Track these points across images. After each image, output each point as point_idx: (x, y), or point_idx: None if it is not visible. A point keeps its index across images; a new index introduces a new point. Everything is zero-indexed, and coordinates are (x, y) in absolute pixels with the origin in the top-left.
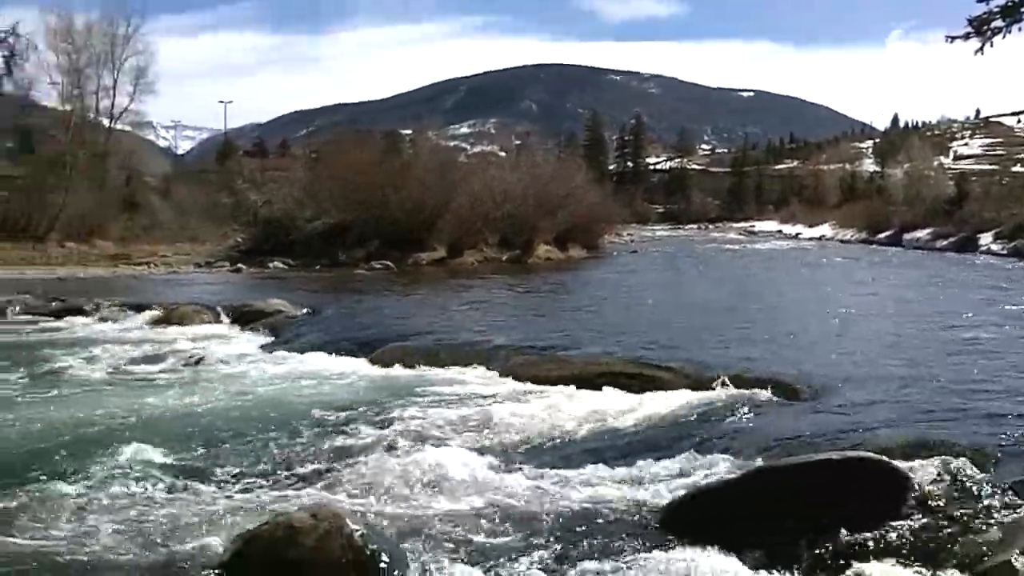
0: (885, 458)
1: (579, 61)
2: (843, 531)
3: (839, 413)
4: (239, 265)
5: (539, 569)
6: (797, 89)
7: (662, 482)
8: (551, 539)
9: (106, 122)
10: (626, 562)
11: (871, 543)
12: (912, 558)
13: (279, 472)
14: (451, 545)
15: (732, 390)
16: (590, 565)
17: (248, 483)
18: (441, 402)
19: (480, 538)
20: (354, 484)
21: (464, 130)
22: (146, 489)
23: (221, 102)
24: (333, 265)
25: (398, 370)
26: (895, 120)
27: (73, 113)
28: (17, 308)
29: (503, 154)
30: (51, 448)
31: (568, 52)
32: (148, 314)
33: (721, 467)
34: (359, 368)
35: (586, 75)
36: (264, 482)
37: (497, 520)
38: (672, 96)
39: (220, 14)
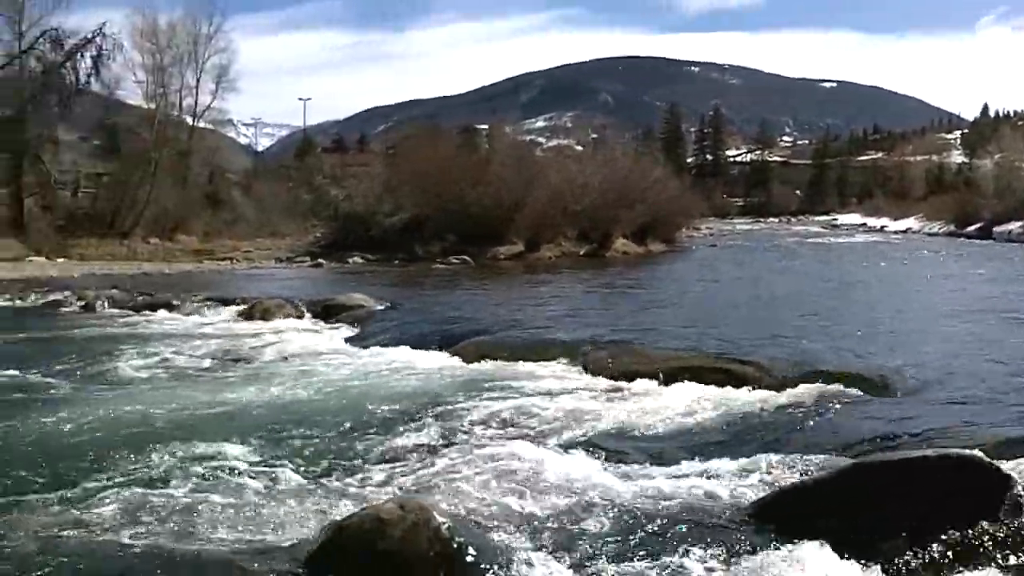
0: (985, 457)
1: (657, 53)
2: (940, 532)
3: (930, 410)
4: (319, 260)
5: (627, 563)
6: (881, 79)
7: (749, 478)
8: (638, 534)
9: (189, 120)
10: (717, 557)
11: (969, 545)
12: (1012, 562)
13: (366, 465)
14: (537, 539)
15: (819, 385)
16: (680, 560)
17: (335, 476)
18: (524, 396)
19: (566, 533)
20: (440, 477)
21: (540, 124)
22: (235, 482)
23: (300, 99)
24: (411, 260)
25: (480, 364)
26: (984, 110)
27: (157, 111)
28: (106, 302)
29: (579, 148)
30: (142, 441)
31: (645, 44)
32: (233, 308)
33: (809, 464)
34: (442, 362)
35: (664, 67)
36: (351, 475)
37: (583, 514)
38: (752, 88)
39: (300, 12)
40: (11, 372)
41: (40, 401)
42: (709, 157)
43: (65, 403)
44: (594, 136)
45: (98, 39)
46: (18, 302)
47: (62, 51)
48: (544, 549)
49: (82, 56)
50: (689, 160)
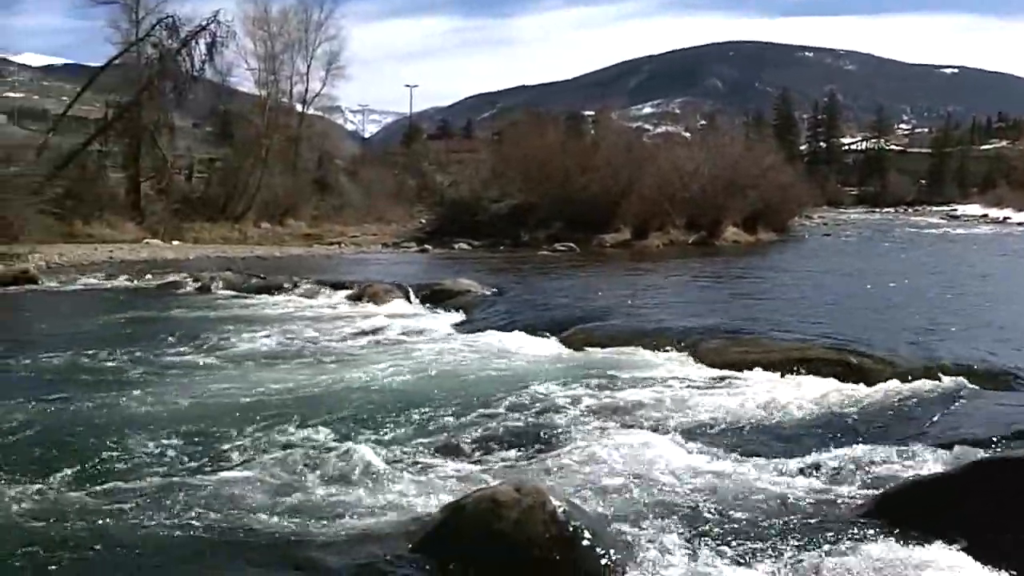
0: None
1: (769, 38)
2: None
3: None
4: (425, 246)
5: (741, 555)
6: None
7: (867, 472)
8: (752, 525)
9: (299, 107)
10: (835, 552)
11: None
12: None
13: (477, 448)
14: (651, 527)
15: (939, 380)
16: (797, 555)
17: (446, 458)
18: (635, 384)
19: (680, 521)
20: (553, 462)
21: (647, 110)
22: (349, 462)
23: (407, 86)
24: (516, 246)
25: (589, 351)
26: None
27: (268, 98)
28: (220, 284)
29: (687, 135)
30: (258, 420)
31: (757, 28)
32: (342, 292)
33: (930, 459)
34: (550, 348)
35: (777, 52)
36: (462, 457)
37: (697, 504)
38: (868, 73)
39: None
40: (130, 350)
41: (155, 379)
42: (822, 144)
43: (179, 381)
44: (703, 123)
45: (212, 26)
46: (136, 283)
47: (178, 38)
48: (658, 537)
49: (197, 43)
50: (802, 147)
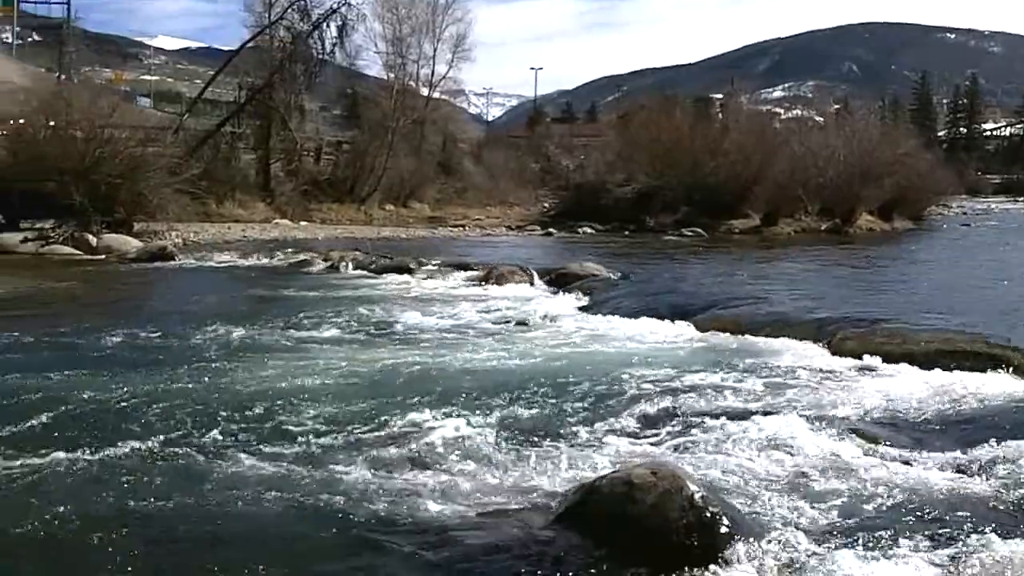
0: None
1: (906, 18)
2: None
3: None
4: (549, 229)
5: (886, 547)
6: None
7: (1015, 469)
8: (892, 518)
9: (424, 90)
10: (976, 549)
11: None
12: None
13: (609, 430)
14: (788, 515)
15: None
16: (935, 549)
17: (578, 440)
18: (769, 372)
19: (821, 510)
20: (686, 446)
21: (777, 94)
22: (479, 442)
23: (532, 69)
24: (642, 231)
25: (721, 337)
26: None
27: (396, 81)
28: (349, 264)
29: (820, 119)
30: (388, 398)
31: (894, 8)
32: (468, 273)
33: None
34: (680, 333)
35: (915, 33)
36: (593, 439)
37: (838, 493)
38: (1015, 55)
39: None
40: (264, 325)
41: (287, 355)
42: (962, 130)
43: (309, 358)
44: (836, 107)
45: (343, 9)
46: (269, 261)
47: (309, 21)
48: (794, 525)
49: (328, 26)
50: (940, 133)
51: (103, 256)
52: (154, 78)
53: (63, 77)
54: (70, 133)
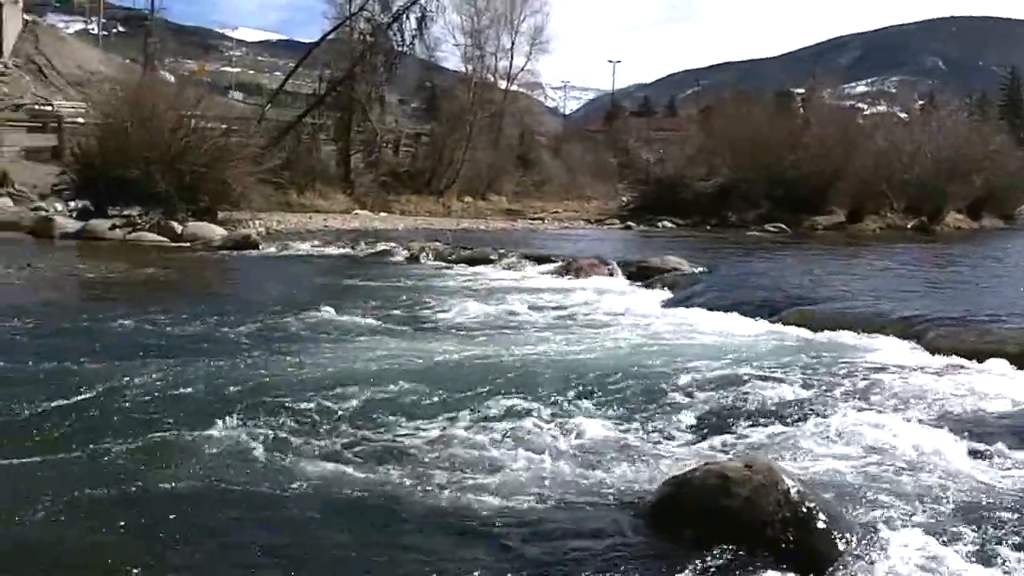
0: None
1: (995, 12)
2: None
3: None
4: (628, 223)
5: (979, 549)
6: None
7: None
8: (993, 520)
9: (502, 83)
10: None
11: None
12: None
13: (696, 425)
14: (885, 513)
15: None
16: None
17: (665, 435)
18: (859, 368)
19: (915, 509)
20: (778, 441)
21: (860, 89)
22: (563, 435)
23: (610, 62)
24: (723, 226)
25: (807, 333)
26: None
27: (474, 73)
28: (429, 255)
29: (904, 115)
30: (468, 389)
31: (983, 1)
32: (548, 265)
33: None
34: (763, 329)
35: (1003, 27)
36: (681, 433)
37: (933, 492)
38: None
39: None
40: (344, 312)
41: (366, 342)
42: None
43: (389, 346)
44: (921, 103)
45: (422, 1)
46: (350, 250)
47: (389, 13)
48: (892, 523)
49: (408, 18)
50: None
51: (188, 244)
52: (235, 70)
53: (148, 68)
54: (156, 123)
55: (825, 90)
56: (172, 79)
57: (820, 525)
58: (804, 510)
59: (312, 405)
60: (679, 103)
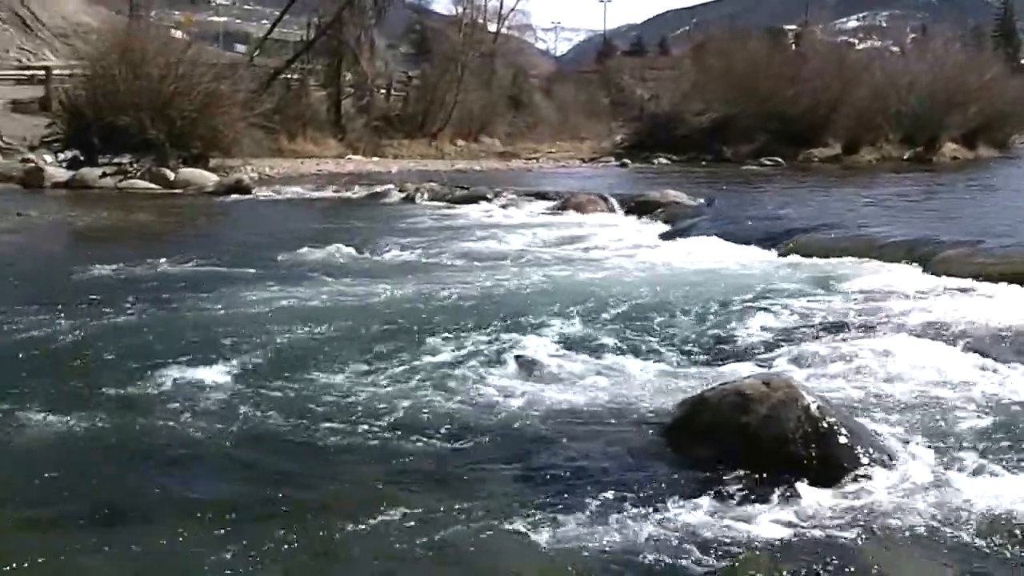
0: None
1: None
2: None
3: None
4: (624, 160)
5: (997, 464)
6: None
7: None
8: (1008, 435)
9: (492, 25)
10: None
11: None
12: None
13: (708, 348)
14: (908, 430)
15: None
16: None
17: (678, 359)
18: (865, 292)
19: (931, 425)
20: (790, 363)
21: (852, 24)
22: (573, 359)
23: (600, 1)
24: (719, 161)
25: (809, 261)
26: None
27: (464, 14)
28: (425, 195)
29: (896, 50)
30: (479, 319)
31: None
32: (545, 203)
33: None
34: (766, 257)
35: None
36: (693, 356)
37: (948, 408)
38: None
39: None
40: (341, 250)
41: (367, 278)
42: None
43: (389, 280)
44: (913, 36)
45: None
46: (344, 193)
47: None
48: (917, 440)
49: None
50: None
51: (180, 190)
52: (222, 19)
53: (134, 18)
54: (145, 70)
55: (817, 26)
56: (175, 33)
57: (842, 440)
58: (825, 425)
59: (321, 334)
60: (671, 42)
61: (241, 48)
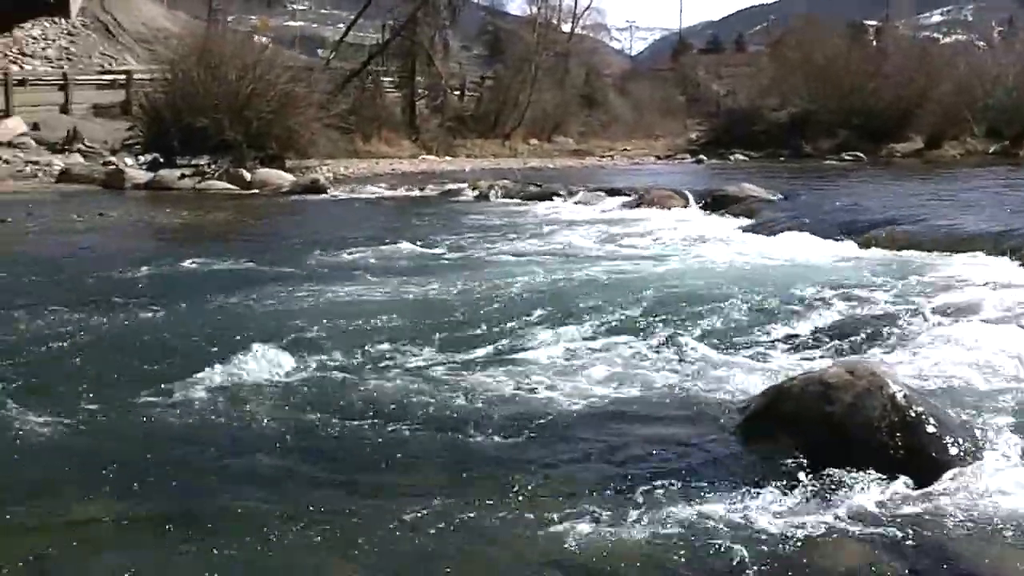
0: None
1: None
2: None
3: None
4: (700, 156)
5: None
6: None
7: None
8: None
9: (566, 26)
10: None
11: None
12: None
13: (791, 340)
14: (994, 420)
15: None
16: None
17: (758, 350)
18: (953, 283)
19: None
20: (877, 353)
21: (936, 19)
22: (651, 351)
23: None
24: (798, 156)
25: (894, 253)
26: None
27: (538, 14)
28: (498, 192)
29: (982, 44)
30: (561, 310)
31: None
32: (620, 199)
33: None
34: (846, 250)
35: None
36: (777, 347)
37: None
38: None
39: None
40: (417, 247)
41: (438, 271)
42: None
43: (466, 275)
44: (1000, 30)
45: None
46: (418, 192)
47: None
48: (1007, 430)
49: None
50: None
51: (257, 190)
52: (299, 23)
53: (212, 23)
54: (223, 72)
55: (899, 20)
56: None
57: (930, 430)
58: (912, 415)
59: (403, 324)
60: (747, 39)
61: (323, 53)
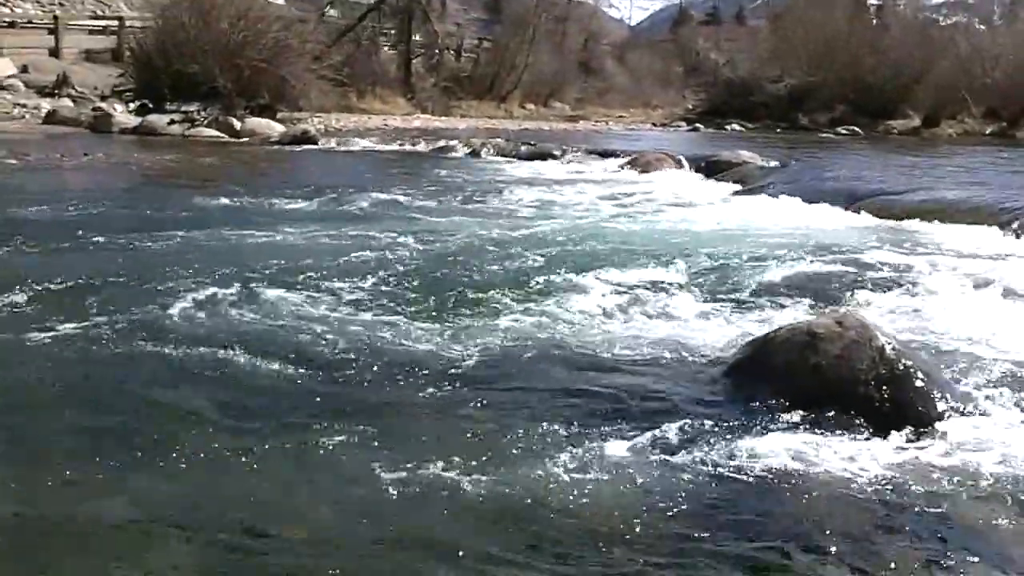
0: None
1: None
2: None
3: None
4: (696, 125)
5: None
6: None
7: None
8: None
9: None
10: None
11: None
12: None
13: (772, 293)
14: (982, 377)
15: None
16: None
17: (741, 302)
18: (943, 249)
19: (1016, 377)
20: (866, 310)
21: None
22: (639, 300)
23: None
24: (793, 128)
25: (887, 222)
26: None
27: None
28: (491, 150)
29: (982, 28)
30: (552, 262)
31: None
32: (614, 160)
33: None
34: (841, 217)
35: None
36: (758, 301)
37: None
38: None
39: None
40: (402, 198)
41: (421, 220)
42: None
43: (450, 225)
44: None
45: None
46: (409, 147)
47: None
48: (995, 387)
49: None
50: None
51: (246, 139)
52: None
53: None
54: (215, 16)
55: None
56: None
57: (919, 384)
58: (901, 367)
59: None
60: (748, 12)
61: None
